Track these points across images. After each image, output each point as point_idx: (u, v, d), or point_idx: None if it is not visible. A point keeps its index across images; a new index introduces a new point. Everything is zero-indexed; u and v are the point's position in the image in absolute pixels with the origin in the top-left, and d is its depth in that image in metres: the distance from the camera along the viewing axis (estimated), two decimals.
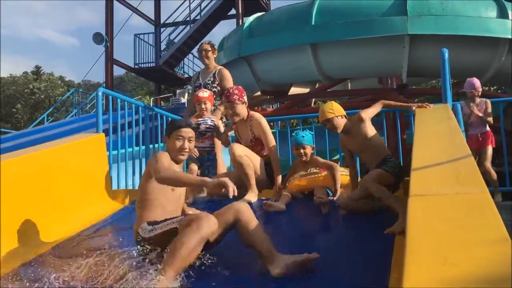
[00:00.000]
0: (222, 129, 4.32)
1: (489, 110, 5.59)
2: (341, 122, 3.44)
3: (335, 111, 3.44)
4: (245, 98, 4.05)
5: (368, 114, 3.45)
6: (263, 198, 3.85)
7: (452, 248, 1.22)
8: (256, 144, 4.02)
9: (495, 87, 12.89)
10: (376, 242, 2.51)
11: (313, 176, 3.70)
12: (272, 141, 3.96)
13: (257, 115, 4.07)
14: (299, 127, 6.45)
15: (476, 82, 5.72)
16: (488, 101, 5.64)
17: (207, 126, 4.36)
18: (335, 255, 2.54)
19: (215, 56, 4.97)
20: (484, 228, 1.29)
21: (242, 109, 4.00)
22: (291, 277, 2.18)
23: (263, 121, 4.02)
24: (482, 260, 1.13)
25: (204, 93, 4.37)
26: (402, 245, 1.52)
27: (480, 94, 5.71)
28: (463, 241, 1.25)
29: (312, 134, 3.90)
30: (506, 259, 1.11)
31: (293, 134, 3.90)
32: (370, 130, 3.38)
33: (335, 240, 2.90)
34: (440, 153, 2.14)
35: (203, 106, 4.33)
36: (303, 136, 3.80)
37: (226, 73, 4.93)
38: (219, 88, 4.88)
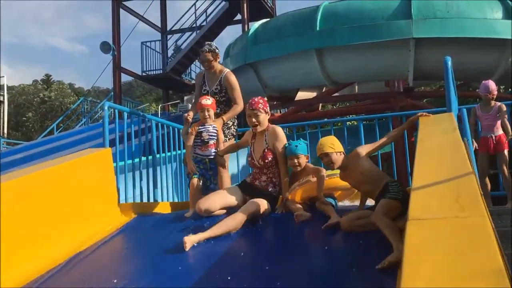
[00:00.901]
0: (222, 140, 4.33)
1: (503, 113, 5.51)
2: (339, 159, 3.41)
3: (335, 147, 3.41)
4: (268, 109, 4.00)
5: (365, 149, 3.41)
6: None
7: (446, 279, 1.22)
8: (266, 157, 3.83)
9: (503, 88, 12.77)
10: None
11: (308, 184, 3.68)
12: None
13: (275, 126, 4.03)
14: (305, 132, 6.46)
15: (491, 84, 5.63)
16: (503, 105, 5.57)
17: (210, 134, 4.31)
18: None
19: (218, 59, 4.87)
20: (480, 258, 1.29)
21: (265, 119, 3.90)
22: None
23: (279, 131, 3.92)
24: None
25: (207, 101, 4.34)
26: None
27: (495, 96, 5.64)
28: (459, 272, 1.25)
29: (306, 143, 3.86)
30: None
31: (285, 145, 3.86)
32: (367, 164, 3.33)
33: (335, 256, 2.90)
34: (441, 171, 2.13)
35: (206, 113, 4.31)
36: (296, 146, 3.76)
37: (233, 80, 4.84)
38: (227, 95, 4.84)
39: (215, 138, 4.32)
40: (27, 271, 3.05)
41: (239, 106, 4.72)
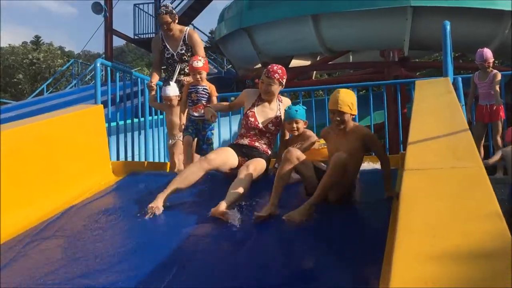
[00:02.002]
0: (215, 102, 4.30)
1: (496, 81, 5.50)
2: (350, 123, 3.13)
3: (353, 109, 3.09)
4: (284, 82, 3.81)
5: (378, 146, 3.15)
6: None
7: (443, 222, 1.23)
8: (277, 124, 3.80)
9: (499, 61, 12.76)
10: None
11: (312, 149, 3.68)
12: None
13: (287, 99, 4.00)
14: (298, 100, 6.43)
15: (486, 53, 5.61)
16: (498, 73, 5.55)
17: (199, 94, 4.28)
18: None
19: (176, 21, 4.74)
20: (477, 203, 1.29)
21: (276, 90, 3.78)
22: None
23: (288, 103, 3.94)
24: (473, 234, 1.14)
25: (198, 63, 4.26)
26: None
27: (491, 64, 5.62)
28: (455, 215, 1.25)
29: (304, 109, 3.82)
30: (497, 234, 1.12)
31: (285, 109, 3.82)
32: (361, 154, 3.12)
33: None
34: (437, 127, 2.13)
35: (198, 76, 4.26)
36: (296, 111, 3.71)
37: (196, 37, 4.77)
38: (192, 55, 4.71)
39: (205, 99, 4.28)
40: (17, 222, 3.05)
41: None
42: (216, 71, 17.55)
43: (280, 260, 2.38)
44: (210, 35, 22.64)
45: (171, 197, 3.29)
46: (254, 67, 11.04)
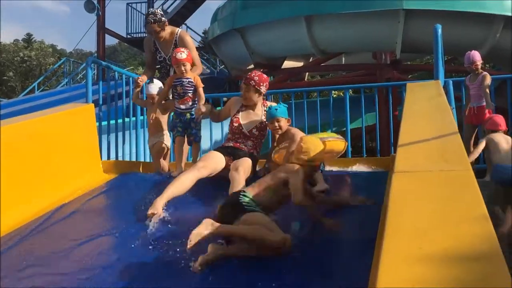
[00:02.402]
0: (202, 94, 4.18)
1: (485, 84, 5.52)
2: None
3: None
4: (263, 89, 3.91)
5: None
6: None
7: (431, 224, 1.23)
8: (262, 129, 3.90)
9: (490, 65, 12.87)
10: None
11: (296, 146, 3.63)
12: None
13: (273, 103, 4.09)
14: (291, 101, 6.43)
15: (473, 55, 5.64)
16: (487, 75, 5.58)
17: (184, 87, 4.15)
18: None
19: (166, 25, 4.57)
20: (465, 206, 1.30)
21: (253, 96, 3.88)
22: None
23: None
24: (460, 237, 1.14)
25: (182, 54, 4.10)
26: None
27: (479, 67, 5.65)
28: (443, 218, 1.26)
29: (285, 106, 3.85)
30: (484, 237, 1.12)
31: (265, 109, 3.87)
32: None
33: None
34: (427, 130, 2.14)
35: (182, 68, 4.10)
36: (276, 109, 3.75)
37: (188, 40, 4.63)
38: None
39: (191, 91, 4.17)
40: (6, 221, 3.02)
41: (198, 68, 4.50)
42: (208, 71, 17.53)
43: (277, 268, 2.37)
44: (203, 35, 22.60)
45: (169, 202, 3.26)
46: (247, 68, 11.03)
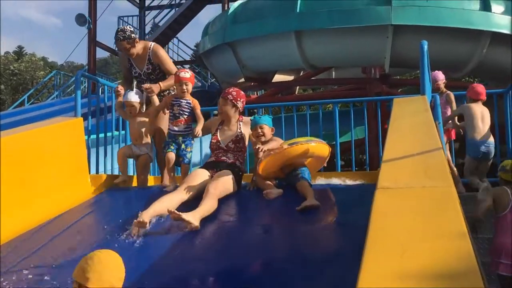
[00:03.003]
0: (201, 119, 4.17)
1: (449, 101, 5.56)
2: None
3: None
4: (240, 104, 3.99)
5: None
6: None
7: (411, 241, 1.24)
8: (238, 141, 3.95)
9: (476, 79, 13.03)
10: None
11: (270, 155, 3.63)
12: None
13: (249, 118, 4.23)
14: (281, 115, 6.46)
15: (436, 75, 5.62)
16: (451, 93, 5.62)
17: (182, 108, 4.10)
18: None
19: (137, 42, 4.48)
20: (445, 222, 1.32)
21: (230, 110, 3.97)
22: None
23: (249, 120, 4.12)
24: (439, 254, 1.16)
25: (186, 74, 4.10)
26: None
27: (441, 86, 5.64)
28: (423, 234, 1.27)
29: (270, 117, 3.91)
30: (463, 254, 1.14)
31: (241, 123, 4.00)
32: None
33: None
34: (411, 146, 2.16)
35: (184, 87, 4.07)
36: (260, 117, 3.87)
37: (161, 53, 4.55)
38: (161, 71, 4.60)
39: (187, 113, 4.12)
40: None
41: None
42: (200, 84, 17.58)
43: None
44: (194, 48, 22.69)
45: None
46: (238, 81, 11.08)
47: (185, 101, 4.13)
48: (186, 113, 4.13)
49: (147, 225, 3.09)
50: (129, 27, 4.65)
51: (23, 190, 3.43)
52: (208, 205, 3.29)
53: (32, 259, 2.81)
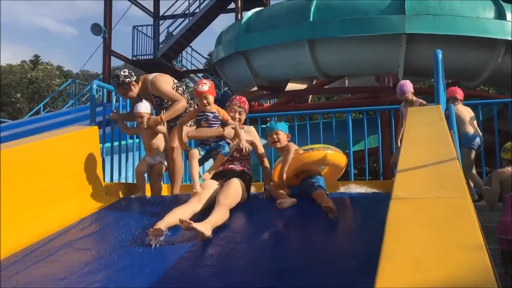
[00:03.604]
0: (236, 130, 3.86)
1: None
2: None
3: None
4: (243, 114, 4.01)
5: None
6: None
7: (426, 253, 1.23)
8: (240, 150, 3.90)
9: (493, 89, 12.91)
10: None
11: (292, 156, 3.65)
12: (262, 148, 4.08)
13: (249, 127, 4.17)
14: (293, 123, 6.47)
15: (403, 87, 5.48)
16: (423, 102, 5.47)
17: (209, 122, 3.81)
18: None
19: (134, 85, 4.37)
20: (461, 234, 1.30)
21: (243, 119, 3.99)
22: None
23: (254, 129, 4.11)
24: (455, 267, 1.14)
25: (203, 87, 3.75)
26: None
27: (409, 96, 5.43)
28: (438, 246, 1.26)
29: (286, 124, 3.93)
30: (479, 267, 1.13)
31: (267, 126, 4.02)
32: None
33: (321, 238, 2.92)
34: (426, 156, 2.15)
35: (204, 101, 3.75)
36: (276, 123, 3.89)
37: (158, 84, 4.39)
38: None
39: (217, 125, 3.83)
40: (4, 246, 3.02)
41: (180, 103, 4.36)
42: None
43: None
44: (208, 57, 22.85)
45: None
46: (251, 90, 11.13)
47: (212, 114, 3.83)
48: (216, 125, 3.85)
49: (164, 233, 3.06)
50: (123, 71, 4.47)
51: (38, 198, 3.47)
52: (219, 215, 3.25)
53: (47, 265, 2.83)
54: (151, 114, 4.46)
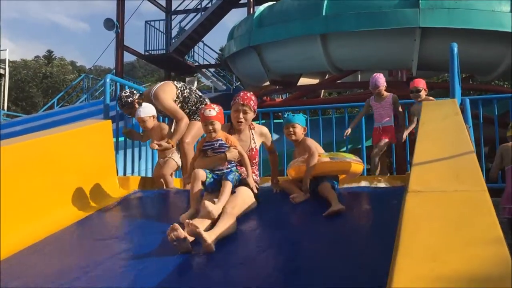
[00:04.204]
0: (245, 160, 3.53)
1: (397, 104, 5.25)
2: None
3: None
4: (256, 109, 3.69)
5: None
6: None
7: (444, 246, 1.22)
8: (255, 153, 3.67)
9: (507, 83, 12.73)
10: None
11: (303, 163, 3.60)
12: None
13: (260, 125, 3.89)
14: (306, 117, 6.43)
15: (377, 80, 5.28)
16: (395, 96, 5.30)
17: (215, 151, 3.43)
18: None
19: (137, 101, 4.61)
20: (479, 227, 1.29)
21: (250, 118, 3.64)
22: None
23: (267, 130, 3.84)
24: (473, 260, 1.13)
25: (211, 112, 3.36)
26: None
27: (382, 90, 5.26)
28: (456, 240, 1.25)
29: (305, 117, 3.86)
30: (498, 260, 1.11)
31: (284, 116, 3.93)
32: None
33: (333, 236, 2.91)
34: (442, 149, 2.13)
35: (210, 127, 3.37)
36: (293, 115, 3.80)
37: (160, 101, 4.52)
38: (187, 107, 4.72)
39: (223, 150, 3.45)
40: (21, 238, 3.05)
41: (182, 122, 4.49)
42: (225, 87, 17.70)
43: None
44: (219, 52, 22.85)
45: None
46: (263, 85, 11.11)
47: (217, 143, 3.43)
48: (222, 150, 3.45)
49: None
50: (124, 92, 4.67)
51: (52, 192, 3.50)
52: (225, 225, 2.96)
53: (64, 258, 2.86)
54: (154, 116, 4.54)
